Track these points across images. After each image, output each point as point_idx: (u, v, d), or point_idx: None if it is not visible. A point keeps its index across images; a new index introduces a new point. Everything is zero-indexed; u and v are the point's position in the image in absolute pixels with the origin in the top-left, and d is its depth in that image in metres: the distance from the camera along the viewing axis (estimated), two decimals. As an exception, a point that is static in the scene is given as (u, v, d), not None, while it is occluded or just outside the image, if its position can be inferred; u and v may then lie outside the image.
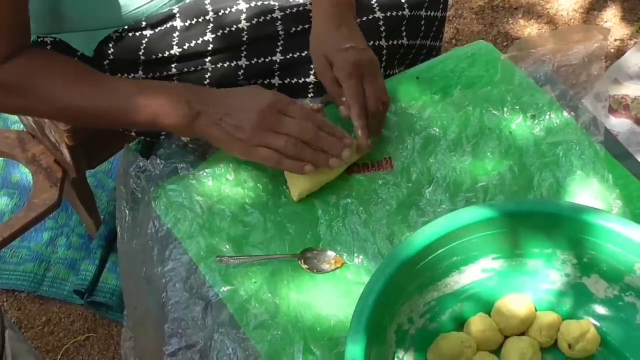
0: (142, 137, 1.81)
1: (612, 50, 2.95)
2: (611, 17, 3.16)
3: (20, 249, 2.46)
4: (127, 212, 1.55)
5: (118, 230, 1.56)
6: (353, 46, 1.57)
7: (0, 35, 1.47)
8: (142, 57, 1.66)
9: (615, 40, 3.04)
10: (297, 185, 1.51)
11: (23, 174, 2.56)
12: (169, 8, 1.70)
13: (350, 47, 1.57)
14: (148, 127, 1.63)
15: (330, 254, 1.46)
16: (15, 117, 2.51)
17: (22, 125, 2.21)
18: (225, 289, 1.41)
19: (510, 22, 3.17)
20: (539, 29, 3.13)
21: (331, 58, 1.58)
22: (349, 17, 1.64)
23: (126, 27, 1.68)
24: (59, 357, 2.32)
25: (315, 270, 1.44)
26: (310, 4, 1.71)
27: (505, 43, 3.05)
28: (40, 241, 2.48)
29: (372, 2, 1.74)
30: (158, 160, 1.58)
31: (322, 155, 1.49)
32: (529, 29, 3.14)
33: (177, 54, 1.66)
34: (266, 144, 1.47)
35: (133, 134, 1.79)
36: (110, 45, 1.67)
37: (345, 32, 1.60)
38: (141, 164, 1.57)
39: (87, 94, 1.52)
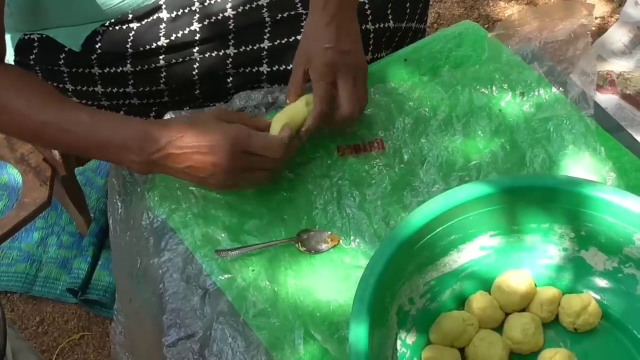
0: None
1: (594, 28, 2.96)
2: (592, -5, 3.17)
3: (11, 250, 2.45)
4: (120, 204, 1.54)
5: (110, 223, 1.55)
6: (333, 47, 1.51)
7: None
8: (130, 50, 1.66)
9: (596, 18, 3.05)
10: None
11: (11, 174, 2.55)
12: (153, 0, 1.69)
13: (330, 47, 1.51)
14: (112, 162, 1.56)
15: (325, 233, 1.46)
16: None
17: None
18: (223, 278, 1.41)
19: (491, 4, 3.18)
20: (520, 10, 3.13)
21: (310, 56, 1.53)
22: (344, 14, 1.56)
23: (112, 20, 1.67)
24: (54, 357, 2.31)
25: (312, 251, 1.43)
26: None
27: (486, 25, 3.06)
28: (31, 241, 2.47)
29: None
30: (150, 151, 1.57)
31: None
32: (510, 10, 3.15)
33: (165, 45, 1.65)
34: (241, 184, 1.48)
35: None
36: (98, 39, 1.66)
37: (332, 31, 1.53)
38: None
39: (47, 121, 1.43)
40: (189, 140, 1.40)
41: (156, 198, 1.51)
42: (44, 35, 1.65)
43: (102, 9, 1.66)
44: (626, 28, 2.67)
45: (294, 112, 1.51)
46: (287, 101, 1.55)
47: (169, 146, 1.40)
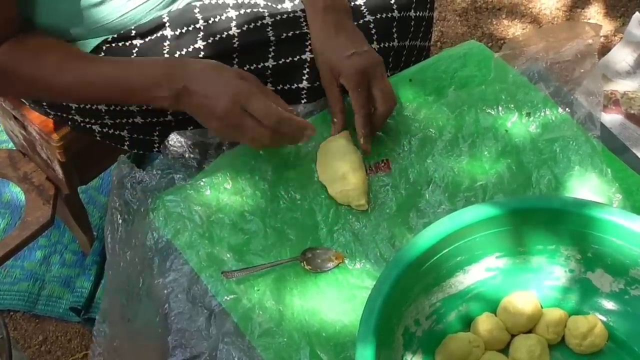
0: (135, 151, 1.80)
1: (598, 47, 2.96)
2: (594, 14, 3.17)
3: (14, 269, 2.44)
4: (120, 223, 1.54)
5: (108, 241, 1.54)
6: (355, 51, 1.58)
7: None
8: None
9: (600, 37, 3.04)
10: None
11: (14, 193, 2.55)
12: (156, 14, 1.69)
13: (353, 53, 1.57)
14: (141, 104, 1.67)
15: (330, 251, 1.46)
16: (5, 137, 2.49)
17: (12, 144, 2.19)
18: (228, 298, 1.40)
19: (494, 22, 3.18)
20: (523, 29, 3.14)
21: (337, 67, 1.58)
22: (345, 21, 1.64)
23: (115, 36, 1.66)
24: (57, 375, 2.30)
25: (318, 270, 1.43)
26: (301, 10, 1.71)
27: (490, 44, 3.06)
28: (34, 260, 2.46)
29: (361, 7, 1.73)
30: (154, 171, 1.57)
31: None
32: (513, 29, 3.15)
33: (169, 63, 1.65)
34: (234, 137, 1.56)
35: (126, 147, 1.78)
36: (101, 55, 1.65)
37: (345, 37, 1.60)
38: (137, 175, 1.56)
39: (74, 80, 1.57)
40: (200, 82, 1.51)
41: (161, 218, 1.50)
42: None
43: (103, 24, 1.65)
44: (630, 48, 2.67)
45: (339, 147, 1.57)
46: (334, 120, 1.61)
47: (189, 83, 1.51)
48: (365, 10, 1.73)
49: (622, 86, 2.57)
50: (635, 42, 2.64)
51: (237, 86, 1.50)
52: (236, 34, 1.67)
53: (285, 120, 1.49)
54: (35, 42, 1.58)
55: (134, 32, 1.67)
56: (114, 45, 1.67)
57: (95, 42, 1.67)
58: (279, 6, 1.73)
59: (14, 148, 2.15)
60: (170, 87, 1.51)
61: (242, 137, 1.52)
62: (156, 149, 1.78)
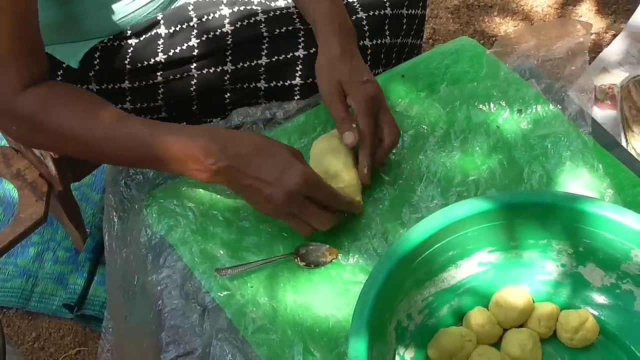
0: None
1: (589, 44, 2.97)
2: (585, 12, 3.18)
3: (7, 266, 2.44)
4: (116, 220, 1.54)
5: (106, 239, 1.55)
6: (369, 80, 1.54)
7: (18, 60, 1.39)
8: (127, 67, 1.66)
9: (592, 34, 3.05)
10: None
11: (6, 189, 2.55)
12: (153, 15, 1.69)
13: (367, 80, 1.53)
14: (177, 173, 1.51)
15: (324, 247, 1.46)
16: (-3, 133, 2.50)
17: (4, 141, 2.19)
18: (222, 294, 1.40)
19: (486, 20, 3.19)
20: (515, 26, 3.15)
21: (348, 88, 1.53)
22: (355, 47, 1.61)
23: (111, 37, 1.67)
24: (50, 372, 2.31)
25: (312, 266, 1.43)
26: (294, 7, 1.71)
27: (482, 41, 3.06)
28: (27, 257, 2.46)
29: (354, 4, 1.74)
30: (148, 168, 1.58)
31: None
32: (505, 26, 3.16)
33: (163, 61, 1.66)
34: (287, 222, 1.44)
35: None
36: (96, 56, 1.66)
37: (359, 64, 1.57)
38: (131, 172, 1.56)
39: (105, 138, 1.42)
40: (253, 164, 1.39)
41: (154, 215, 1.51)
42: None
43: (102, 26, 1.66)
44: (634, 39, 2.67)
45: (332, 145, 1.54)
46: (345, 137, 1.52)
47: (237, 163, 1.39)
48: (358, 7, 1.74)
49: (621, 78, 2.56)
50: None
51: (298, 175, 1.38)
52: (230, 32, 1.67)
53: (344, 201, 1.46)
54: (66, 92, 1.46)
55: (129, 31, 1.68)
56: (108, 45, 1.67)
57: (92, 43, 1.67)
58: (272, 4, 1.73)
59: (7, 145, 2.14)
60: (212, 163, 1.38)
61: (296, 223, 1.43)
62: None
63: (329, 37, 1.59)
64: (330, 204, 1.42)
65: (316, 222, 1.41)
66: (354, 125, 1.51)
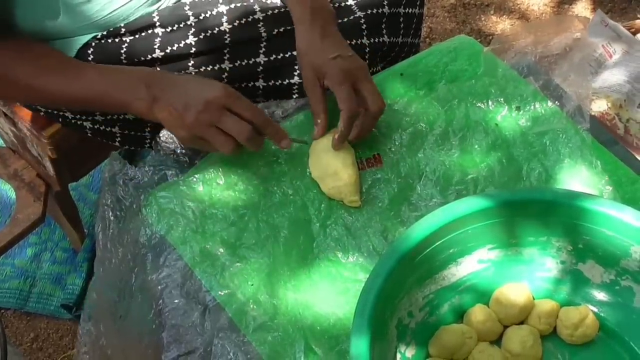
0: (126, 147, 1.80)
1: (587, 40, 2.97)
2: (582, 10, 3.19)
3: (4, 267, 2.44)
4: (112, 220, 1.54)
5: (100, 238, 1.54)
6: (340, 55, 1.57)
7: None
8: (124, 62, 1.65)
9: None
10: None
11: (4, 190, 2.54)
12: (144, 11, 1.68)
13: (337, 56, 1.56)
14: (118, 112, 1.70)
15: None
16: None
17: (2, 141, 2.19)
18: (223, 293, 1.41)
19: (483, 18, 3.19)
20: (511, 25, 3.15)
21: (321, 68, 1.56)
22: (331, 27, 1.64)
23: (105, 33, 1.66)
24: (49, 373, 2.31)
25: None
26: None
27: (478, 40, 3.04)
28: (25, 257, 2.46)
29: (351, 4, 1.74)
30: (146, 168, 1.58)
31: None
32: (502, 25, 3.16)
33: (160, 57, 1.65)
34: (205, 137, 1.50)
35: (117, 144, 1.78)
36: (90, 52, 1.65)
37: (331, 42, 1.60)
38: (129, 171, 1.56)
39: (56, 83, 1.57)
40: (188, 78, 1.58)
41: (154, 214, 1.51)
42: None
43: (91, 21, 1.64)
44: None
45: (330, 144, 1.56)
46: (317, 121, 1.58)
47: (172, 77, 1.54)
48: (355, 7, 1.74)
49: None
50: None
51: (218, 89, 1.50)
52: (227, 30, 1.67)
53: (270, 121, 1.52)
54: (18, 45, 1.57)
55: (123, 29, 1.67)
56: (103, 41, 1.67)
57: (84, 39, 1.66)
58: (269, 1, 1.73)
59: (4, 145, 2.14)
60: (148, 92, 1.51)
61: (218, 137, 1.49)
62: (148, 146, 1.78)
63: (299, 26, 1.64)
64: (252, 119, 1.49)
65: (236, 130, 1.48)
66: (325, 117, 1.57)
